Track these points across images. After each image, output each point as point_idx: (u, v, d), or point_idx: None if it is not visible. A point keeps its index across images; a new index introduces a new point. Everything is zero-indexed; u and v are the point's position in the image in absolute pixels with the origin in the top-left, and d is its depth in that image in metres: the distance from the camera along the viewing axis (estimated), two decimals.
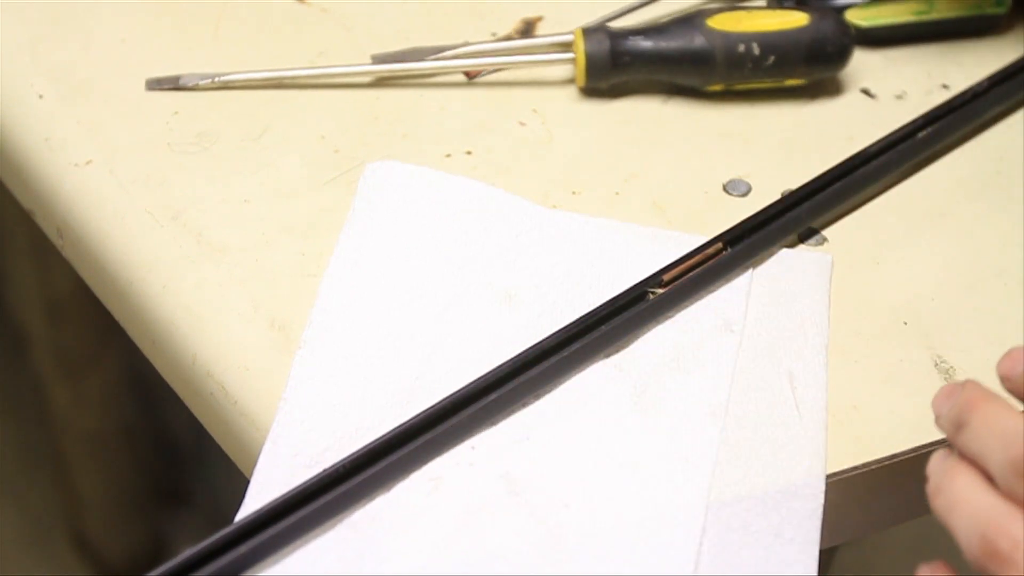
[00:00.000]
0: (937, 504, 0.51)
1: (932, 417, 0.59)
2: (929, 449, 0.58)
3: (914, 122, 0.70)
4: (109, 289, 0.67)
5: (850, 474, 0.57)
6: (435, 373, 0.60)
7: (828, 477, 0.57)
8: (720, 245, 0.64)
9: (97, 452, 1.31)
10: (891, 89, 0.75)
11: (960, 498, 0.51)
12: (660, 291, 0.62)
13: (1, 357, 1.43)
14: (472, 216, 0.66)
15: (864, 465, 0.58)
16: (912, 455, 0.58)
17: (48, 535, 1.40)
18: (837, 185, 0.67)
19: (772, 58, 0.71)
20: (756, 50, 0.71)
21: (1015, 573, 0.49)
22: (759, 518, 0.55)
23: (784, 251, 0.65)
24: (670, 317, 0.62)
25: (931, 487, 0.52)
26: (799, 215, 0.66)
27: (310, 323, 0.61)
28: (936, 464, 0.52)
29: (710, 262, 0.63)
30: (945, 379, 0.61)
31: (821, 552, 0.55)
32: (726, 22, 0.71)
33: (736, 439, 0.58)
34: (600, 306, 0.61)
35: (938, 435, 0.59)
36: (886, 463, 0.58)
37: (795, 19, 0.72)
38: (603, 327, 0.60)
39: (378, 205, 0.66)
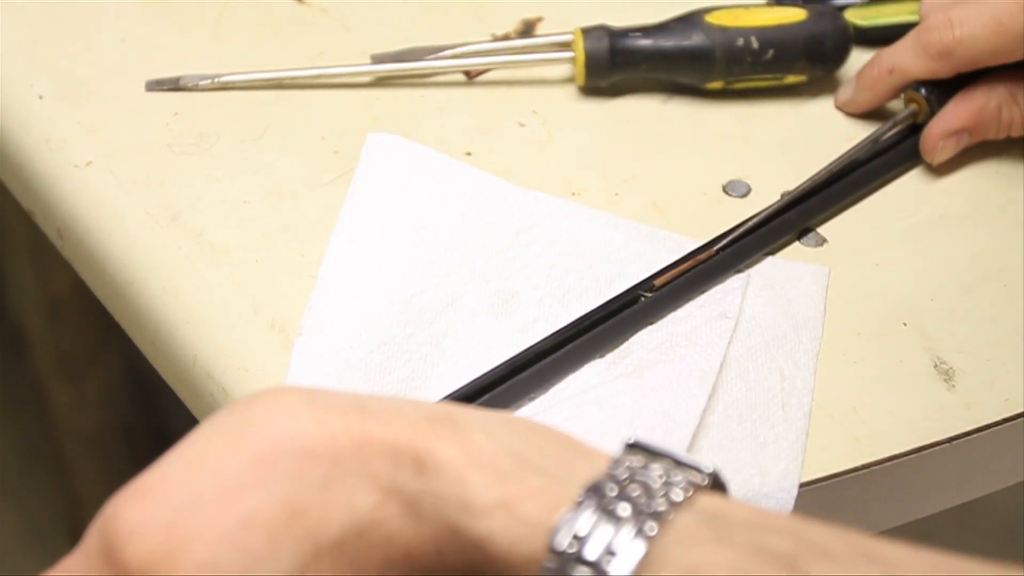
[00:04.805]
0: None
1: (932, 417, 0.59)
2: (929, 449, 0.58)
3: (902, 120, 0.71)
4: (109, 289, 0.67)
5: (850, 474, 0.57)
6: (433, 371, 0.60)
7: (828, 478, 0.57)
8: (712, 251, 0.64)
9: (97, 452, 1.31)
10: None
11: None
12: (652, 295, 0.62)
13: (1, 357, 1.43)
14: (474, 208, 0.66)
15: (864, 465, 0.58)
16: (912, 455, 0.58)
17: (48, 535, 1.40)
18: (829, 189, 0.67)
19: (771, 52, 0.72)
20: (755, 44, 0.72)
21: None
22: None
23: (780, 260, 0.65)
24: (663, 317, 0.62)
25: None
26: (790, 219, 0.66)
27: (309, 309, 0.61)
28: None
29: (702, 265, 0.63)
30: (945, 380, 0.61)
31: None
32: (725, 18, 0.72)
33: (720, 425, 0.58)
34: (593, 310, 0.61)
35: (938, 435, 0.59)
36: (886, 463, 0.58)
37: (794, 15, 0.73)
38: (596, 329, 0.61)
39: (380, 185, 0.66)
